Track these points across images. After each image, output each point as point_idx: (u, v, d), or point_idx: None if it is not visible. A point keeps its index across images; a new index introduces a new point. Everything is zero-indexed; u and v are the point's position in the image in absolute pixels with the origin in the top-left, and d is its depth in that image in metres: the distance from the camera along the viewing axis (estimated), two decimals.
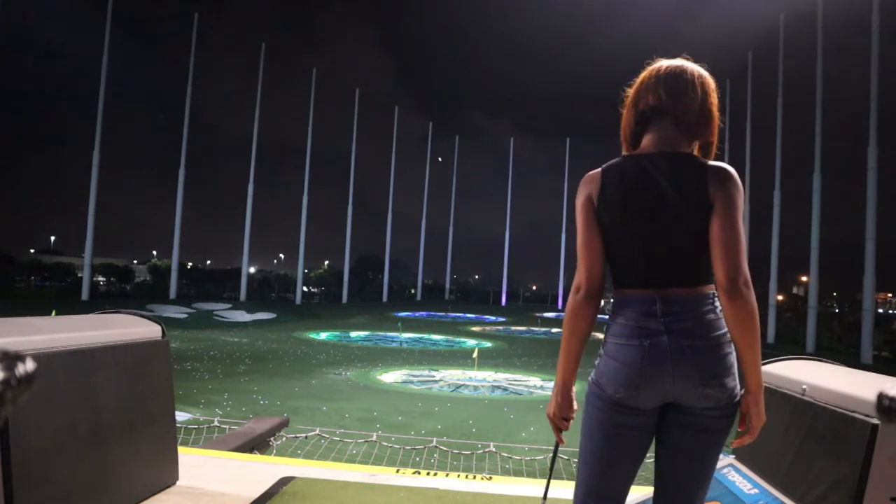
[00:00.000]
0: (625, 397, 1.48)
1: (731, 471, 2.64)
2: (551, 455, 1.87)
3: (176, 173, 26.58)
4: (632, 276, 1.52)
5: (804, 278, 26.31)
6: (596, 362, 1.57)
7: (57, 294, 25.26)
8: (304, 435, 5.24)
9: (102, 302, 22.01)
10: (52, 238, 51.83)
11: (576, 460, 4.81)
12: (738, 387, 1.48)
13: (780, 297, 25.54)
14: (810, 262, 20.68)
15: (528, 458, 4.74)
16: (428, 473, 3.52)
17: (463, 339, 18.58)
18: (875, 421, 1.78)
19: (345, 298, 34.47)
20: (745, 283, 1.41)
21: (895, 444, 1.76)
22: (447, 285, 46.00)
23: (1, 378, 0.56)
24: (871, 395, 1.73)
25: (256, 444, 4.80)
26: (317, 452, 4.90)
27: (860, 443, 1.81)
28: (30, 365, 0.59)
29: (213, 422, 5.48)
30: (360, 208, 37.80)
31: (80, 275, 24.99)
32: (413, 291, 44.00)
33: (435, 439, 5.23)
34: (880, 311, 26.67)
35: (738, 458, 2.68)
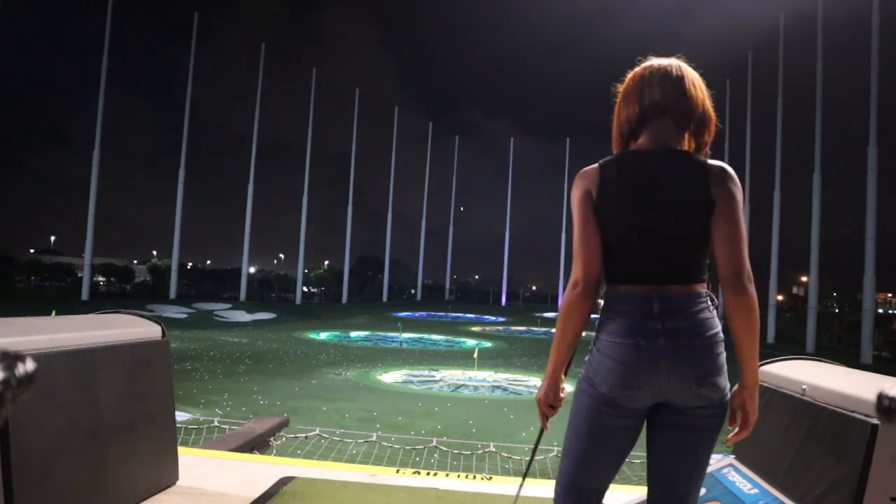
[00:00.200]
0: (619, 397, 1.47)
1: (731, 471, 2.64)
2: (535, 439, 1.91)
3: (176, 173, 26.59)
4: (628, 272, 1.52)
5: (804, 278, 26.31)
6: (587, 359, 1.57)
7: (57, 294, 25.26)
8: (304, 435, 5.24)
9: (102, 302, 22.01)
10: (52, 238, 51.82)
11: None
12: (729, 386, 1.50)
13: (780, 297, 25.54)
14: (810, 262, 20.67)
15: (528, 459, 4.74)
16: (428, 473, 3.52)
17: (463, 339, 18.58)
18: (875, 421, 1.78)
19: (345, 298, 34.47)
20: (749, 278, 1.44)
21: (895, 444, 1.76)
22: (447, 285, 46.01)
23: (1, 378, 0.56)
24: (871, 395, 1.73)
25: (256, 444, 4.80)
26: (317, 452, 4.91)
27: (860, 443, 1.81)
28: (30, 365, 0.59)
29: (213, 422, 5.48)
30: (360, 208, 37.88)
31: (80, 275, 24.99)
32: (413, 291, 44.01)
33: (435, 439, 5.23)
34: (880, 311, 26.67)
35: (738, 458, 2.68)
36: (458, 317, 30.16)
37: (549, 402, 1.58)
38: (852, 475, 1.82)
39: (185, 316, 21.42)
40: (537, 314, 31.97)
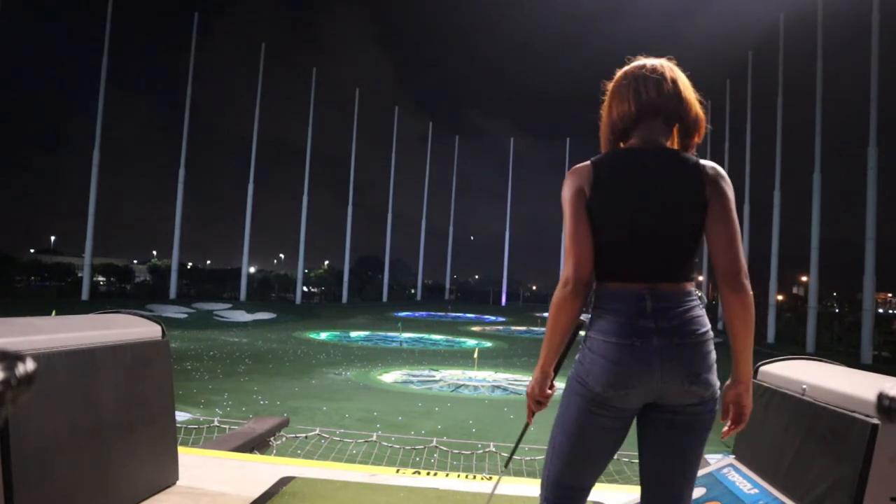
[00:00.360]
0: (613, 397, 1.47)
1: (731, 471, 2.64)
2: (519, 433, 1.95)
3: (176, 173, 26.59)
4: (621, 269, 1.52)
5: (804, 278, 26.31)
6: (578, 358, 1.56)
7: (57, 294, 25.26)
8: (304, 435, 5.24)
9: (102, 302, 22.01)
10: (52, 238, 51.81)
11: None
12: (719, 384, 1.51)
13: (780, 297, 25.53)
14: (810, 262, 20.66)
15: (529, 459, 4.74)
16: (428, 473, 3.52)
17: (463, 339, 18.58)
18: (875, 421, 1.78)
19: (345, 298, 34.47)
20: (745, 276, 1.47)
21: (895, 444, 1.76)
22: (447, 285, 46.01)
23: (1, 378, 0.56)
24: (871, 395, 1.73)
25: (256, 444, 4.80)
26: (317, 452, 4.90)
27: (860, 443, 1.81)
28: (30, 365, 0.59)
29: (213, 422, 5.48)
30: (360, 208, 37.84)
31: (80, 275, 24.99)
32: (413, 291, 44.01)
33: (435, 439, 5.22)
34: (880, 311, 26.66)
35: (738, 458, 2.68)
36: (458, 317, 30.16)
37: (536, 398, 1.60)
38: (852, 475, 1.82)
39: (185, 316, 21.42)
40: (537, 314, 31.96)
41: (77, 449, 2.26)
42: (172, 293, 26.14)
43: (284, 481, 3.13)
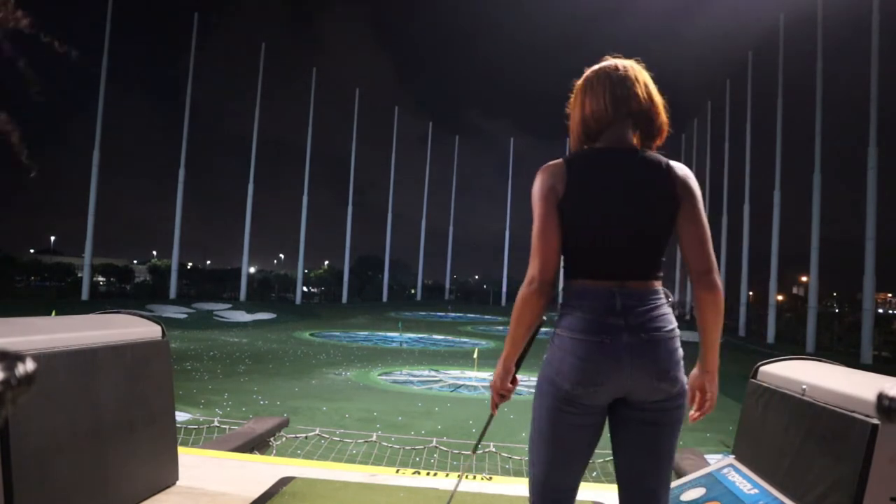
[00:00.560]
0: (582, 394, 1.49)
1: (731, 471, 2.64)
2: (484, 425, 2.00)
3: (176, 173, 26.59)
4: (591, 267, 1.54)
5: (804, 278, 26.31)
6: (546, 357, 1.57)
7: (57, 294, 25.26)
8: (304, 435, 5.24)
9: (102, 302, 22.01)
10: (52, 238, 51.79)
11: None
12: (685, 380, 1.55)
13: (780, 297, 25.54)
14: (810, 262, 20.67)
15: (526, 459, 4.74)
16: (428, 473, 3.52)
17: (463, 339, 18.58)
18: (875, 421, 1.78)
19: (345, 298, 34.47)
20: (717, 274, 1.53)
21: (895, 444, 1.76)
22: (447, 285, 46.00)
23: (1, 378, 0.56)
24: (871, 395, 1.73)
25: (256, 444, 4.80)
26: (317, 452, 4.90)
27: (860, 443, 1.81)
28: (30, 365, 0.59)
29: (213, 422, 5.48)
30: (360, 208, 37.73)
31: (80, 275, 25.00)
32: (413, 291, 44.00)
33: (435, 439, 5.22)
34: (880, 311, 26.67)
35: (738, 458, 2.68)
36: (458, 317, 30.16)
37: (499, 391, 1.66)
38: (852, 475, 1.82)
39: (185, 316, 21.42)
40: None
41: (77, 449, 2.26)
42: (172, 293, 26.15)
43: (284, 481, 3.13)
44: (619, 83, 1.58)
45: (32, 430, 2.04)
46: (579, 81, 1.67)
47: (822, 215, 20.51)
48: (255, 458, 4.04)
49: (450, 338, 18.91)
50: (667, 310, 1.53)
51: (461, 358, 13.17)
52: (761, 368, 2.71)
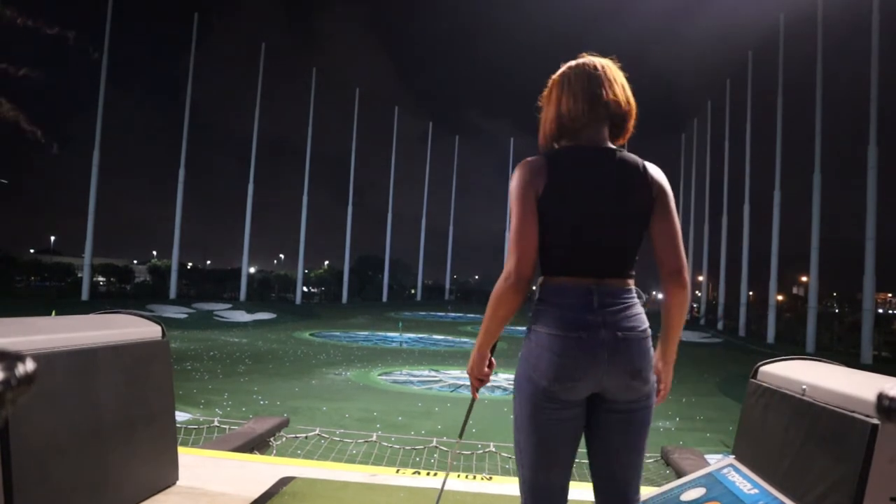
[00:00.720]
0: (559, 390, 1.50)
1: (731, 471, 2.64)
2: (467, 409, 2.03)
3: (176, 173, 26.59)
4: (570, 264, 1.55)
5: (804, 278, 26.31)
6: (522, 353, 1.58)
7: (57, 294, 25.25)
8: (304, 435, 5.24)
9: (102, 302, 22.00)
10: (52, 238, 51.85)
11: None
12: (655, 378, 1.60)
13: (780, 298, 25.54)
14: (810, 262, 20.67)
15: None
16: (428, 473, 3.52)
17: (463, 339, 18.57)
18: (875, 421, 1.78)
19: (345, 298, 34.46)
20: (687, 272, 1.61)
21: (895, 444, 1.76)
22: (447, 285, 46.00)
23: (1, 378, 0.56)
24: (871, 395, 1.73)
25: (256, 444, 4.80)
26: (317, 452, 4.90)
27: (860, 443, 1.81)
28: (30, 365, 0.59)
29: (213, 422, 5.48)
30: (360, 208, 37.73)
31: (80, 275, 24.98)
32: (413, 291, 44.00)
33: (435, 439, 5.23)
34: (880, 311, 26.67)
35: (738, 458, 2.68)
36: (458, 317, 30.14)
37: (477, 376, 1.69)
38: (852, 475, 1.82)
39: (185, 316, 21.41)
40: None
41: (77, 449, 2.26)
42: (172, 293, 26.14)
43: (284, 481, 3.13)
44: (599, 84, 1.60)
45: (32, 430, 2.04)
46: (555, 76, 1.68)
47: (822, 215, 20.51)
48: (255, 458, 4.04)
49: (450, 338, 18.91)
50: (640, 308, 1.58)
51: (461, 358, 13.17)
52: (761, 368, 2.71)
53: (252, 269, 34.10)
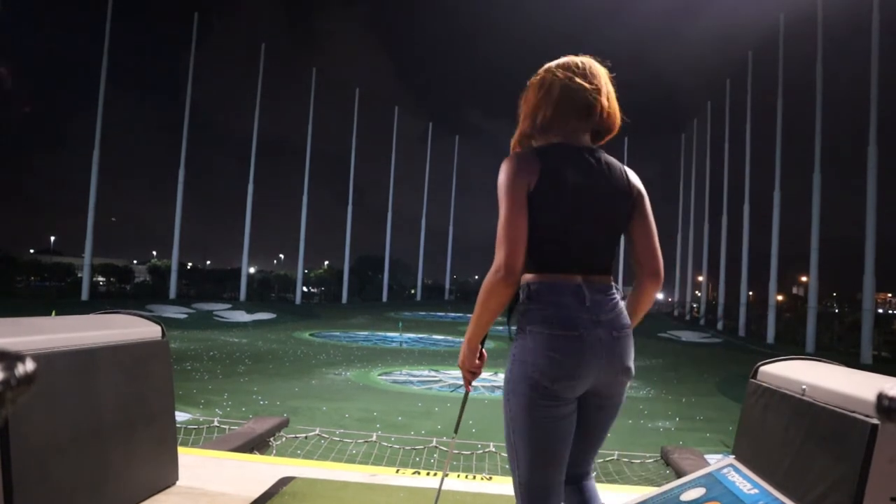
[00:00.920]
0: (560, 388, 1.51)
1: (731, 471, 2.64)
2: (462, 401, 2.05)
3: (176, 173, 26.59)
4: (559, 261, 1.56)
5: (804, 278, 26.31)
6: (516, 355, 1.57)
7: (57, 294, 25.25)
8: (304, 435, 5.24)
9: (102, 302, 22.00)
10: (52, 238, 51.83)
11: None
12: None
13: (780, 298, 25.54)
14: (810, 262, 20.66)
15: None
16: (428, 473, 3.52)
17: (463, 340, 18.56)
18: (875, 421, 1.78)
19: (345, 298, 34.46)
20: (662, 268, 1.69)
21: (895, 444, 1.76)
22: (447, 285, 45.99)
23: (1, 378, 0.56)
24: (871, 395, 1.73)
25: (256, 444, 4.80)
26: (317, 452, 4.90)
27: (860, 443, 1.81)
28: (30, 365, 0.59)
29: (213, 422, 5.48)
30: (360, 208, 37.74)
31: (79, 275, 24.98)
32: (413, 291, 44.00)
33: (435, 439, 5.23)
34: (880, 311, 26.66)
35: (738, 458, 2.68)
36: (459, 317, 30.13)
37: (469, 369, 1.71)
38: (852, 475, 1.82)
39: (185, 316, 21.41)
40: None
41: (77, 449, 2.26)
42: (172, 293, 26.14)
43: (284, 481, 3.13)
44: (588, 93, 1.61)
45: (32, 430, 2.04)
46: (545, 74, 1.67)
47: (822, 215, 20.51)
48: (255, 458, 4.04)
49: (450, 338, 18.90)
50: (622, 304, 1.62)
51: None
52: (761, 368, 2.71)
53: (252, 269, 34.11)
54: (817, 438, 2.10)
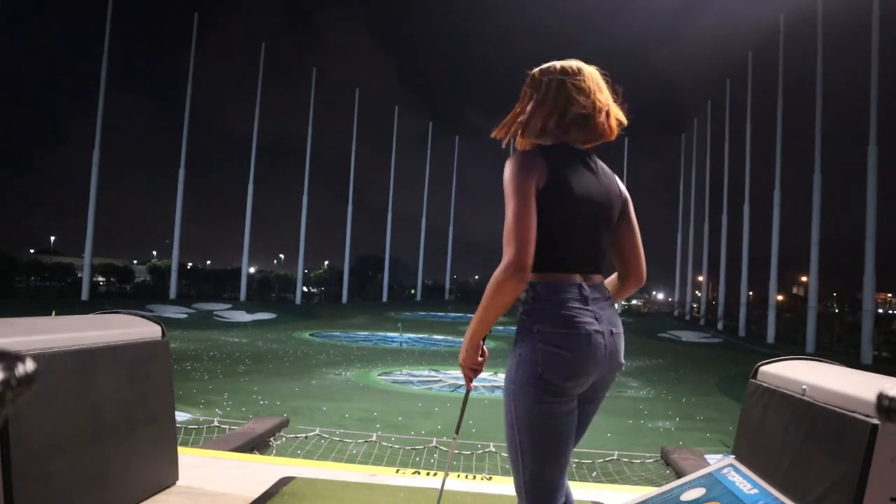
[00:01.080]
0: (570, 386, 1.55)
1: (731, 471, 2.64)
2: (463, 400, 2.02)
3: (176, 173, 26.59)
4: (562, 261, 1.59)
5: (804, 278, 26.30)
6: (522, 355, 1.57)
7: (57, 294, 25.25)
8: (304, 435, 5.24)
9: (102, 302, 22.01)
10: (52, 238, 51.76)
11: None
12: None
13: (780, 297, 25.54)
14: (810, 262, 20.66)
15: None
16: (428, 473, 3.52)
17: (463, 340, 18.56)
18: (875, 421, 1.78)
19: (345, 298, 34.46)
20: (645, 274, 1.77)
21: (895, 444, 1.76)
22: (447, 285, 45.99)
23: (1, 378, 0.56)
24: (871, 395, 1.73)
25: (256, 444, 4.80)
26: (317, 452, 4.90)
27: (860, 443, 1.81)
28: (30, 365, 0.59)
29: (213, 422, 5.48)
30: (360, 208, 37.70)
31: (80, 275, 24.99)
32: (413, 291, 43.99)
33: (435, 439, 5.23)
34: (880, 311, 26.66)
35: (738, 458, 2.68)
36: (458, 317, 30.13)
37: (471, 367, 1.70)
38: (852, 475, 1.82)
39: (185, 316, 21.41)
40: None
41: (77, 449, 2.26)
42: (172, 293, 26.14)
43: (284, 481, 3.13)
44: (596, 84, 1.65)
45: (32, 430, 2.04)
46: (547, 76, 1.66)
47: (822, 215, 20.51)
48: (255, 458, 4.04)
49: (450, 338, 18.90)
50: (612, 303, 1.70)
51: None
52: (761, 368, 2.71)
53: (252, 269, 34.11)
54: (817, 438, 2.10)
